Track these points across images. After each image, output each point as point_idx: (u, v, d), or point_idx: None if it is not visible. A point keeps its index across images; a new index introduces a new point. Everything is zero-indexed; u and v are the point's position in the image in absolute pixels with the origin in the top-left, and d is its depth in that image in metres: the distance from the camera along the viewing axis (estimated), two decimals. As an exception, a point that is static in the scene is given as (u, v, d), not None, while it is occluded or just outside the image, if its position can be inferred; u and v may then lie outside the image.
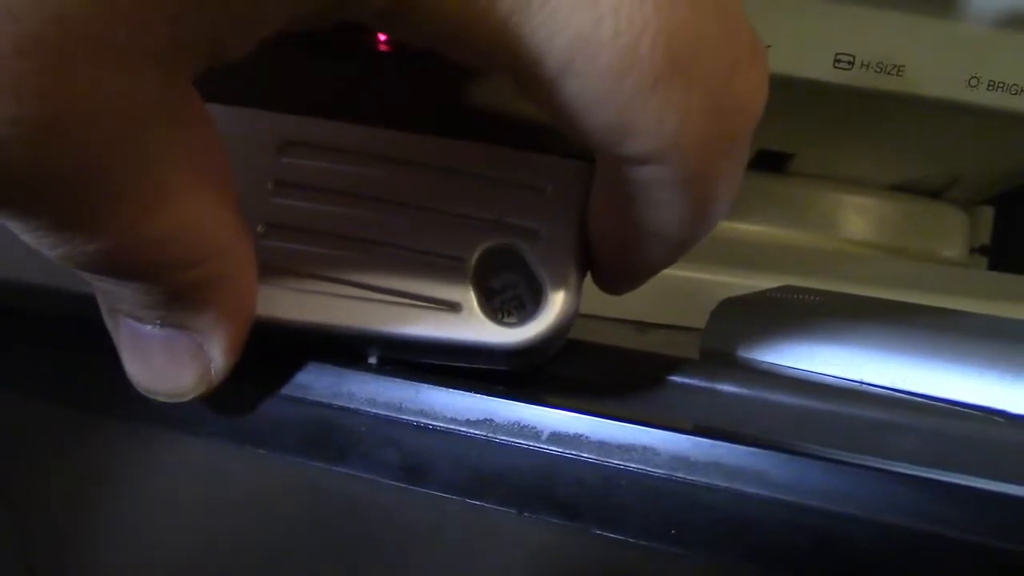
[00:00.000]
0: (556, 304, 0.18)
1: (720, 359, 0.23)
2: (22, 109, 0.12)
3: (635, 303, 0.28)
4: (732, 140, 0.16)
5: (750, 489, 0.16)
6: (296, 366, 0.19)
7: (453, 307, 0.18)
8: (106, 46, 0.12)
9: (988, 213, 0.43)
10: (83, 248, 0.14)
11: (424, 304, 0.18)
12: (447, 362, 0.19)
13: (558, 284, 0.18)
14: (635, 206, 0.17)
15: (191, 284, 0.16)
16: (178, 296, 0.16)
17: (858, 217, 0.35)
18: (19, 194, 0.13)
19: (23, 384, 0.21)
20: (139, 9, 0.12)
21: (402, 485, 0.18)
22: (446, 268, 0.18)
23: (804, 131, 0.33)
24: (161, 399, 0.17)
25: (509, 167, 0.19)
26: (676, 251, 0.18)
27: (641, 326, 0.28)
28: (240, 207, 0.17)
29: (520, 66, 0.14)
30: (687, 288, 0.29)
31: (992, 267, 0.43)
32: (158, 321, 0.17)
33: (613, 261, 0.19)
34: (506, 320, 0.18)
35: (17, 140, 0.12)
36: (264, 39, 0.14)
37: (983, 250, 0.44)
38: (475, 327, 0.18)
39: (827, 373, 0.21)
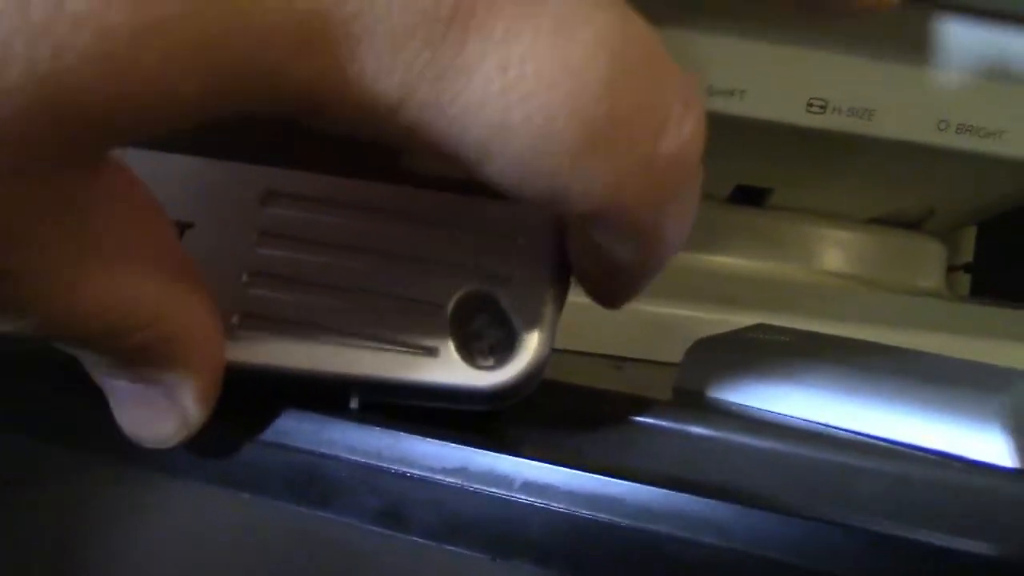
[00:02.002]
0: (530, 347, 0.19)
1: (692, 400, 0.23)
2: None
3: (613, 339, 0.29)
4: (670, 192, 0.16)
5: (713, 541, 0.17)
6: (279, 413, 0.19)
7: (431, 351, 0.19)
8: None
9: (971, 232, 0.44)
10: (14, 326, 0.15)
11: (404, 349, 0.19)
12: (426, 404, 0.20)
13: (531, 328, 0.19)
14: (591, 248, 0.18)
15: (140, 348, 0.16)
16: (134, 358, 0.17)
17: (836, 250, 0.36)
18: None
19: (11, 421, 0.22)
20: (10, 139, 0.12)
21: (381, 530, 0.18)
22: (424, 314, 0.19)
23: (781, 168, 0.34)
24: (148, 445, 0.18)
25: (483, 216, 0.20)
26: (640, 281, 0.19)
27: (619, 361, 0.29)
28: (188, 266, 0.17)
29: (442, 153, 0.15)
30: (665, 323, 0.30)
31: (975, 284, 0.44)
32: (126, 378, 0.17)
33: (592, 287, 0.20)
34: (482, 363, 0.19)
35: None
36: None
37: (966, 268, 0.45)
38: (453, 371, 0.19)
39: (795, 415, 0.22)
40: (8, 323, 0.15)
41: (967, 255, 0.45)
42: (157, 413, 0.18)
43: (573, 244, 0.19)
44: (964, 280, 0.45)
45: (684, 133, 0.15)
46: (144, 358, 0.17)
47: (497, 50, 0.14)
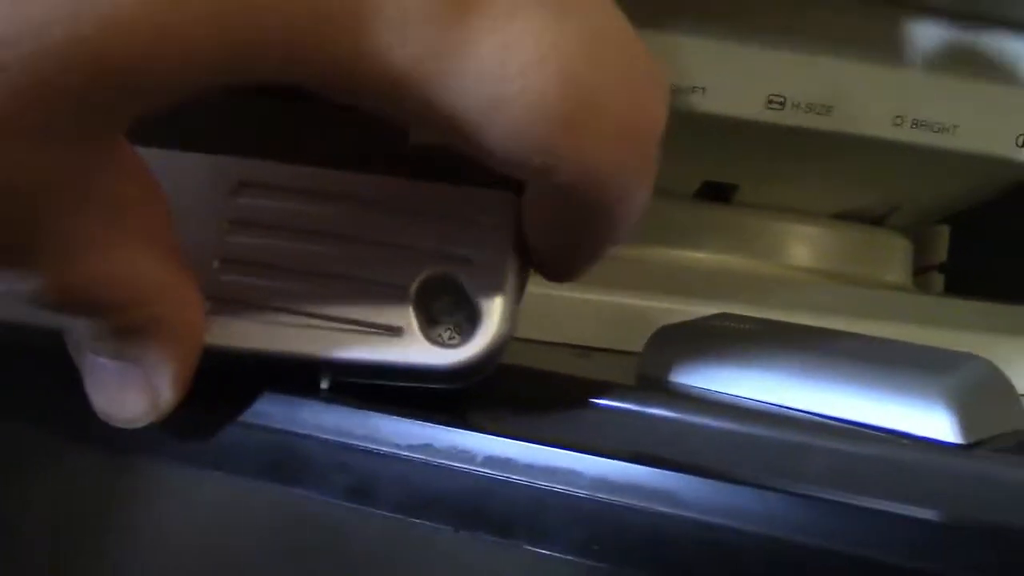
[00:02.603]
0: (491, 327, 0.20)
1: (653, 384, 0.24)
2: None
3: (580, 329, 0.29)
4: (639, 161, 0.18)
5: (664, 508, 0.17)
6: (252, 395, 0.20)
7: (397, 332, 0.20)
8: (12, 128, 0.13)
9: (943, 232, 0.45)
10: (18, 287, 0.16)
11: (370, 330, 0.20)
12: (393, 383, 0.20)
13: (493, 308, 0.20)
14: (564, 218, 0.19)
15: (130, 324, 0.17)
16: (122, 333, 0.18)
17: (802, 245, 0.37)
18: None
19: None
20: (39, 97, 0.13)
21: (349, 504, 0.19)
22: (389, 296, 0.20)
23: (746, 164, 0.35)
24: (117, 424, 0.19)
25: (445, 201, 0.21)
26: (601, 244, 0.20)
27: (585, 351, 0.29)
28: (178, 251, 0.18)
29: (444, 124, 0.16)
30: (632, 314, 0.31)
31: (949, 283, 0.45)
32: (109, 355, 0.18)
33: (551, 256, 0.21)
34: (446, 342, 0.20)
35: None
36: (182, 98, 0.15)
37: (940, 267, 0.45)
38: (417, 350, 0.20)
39: (751, 397, 0.23)
40: (20, 284, 0.16)
41: (940, 255, 0.46)
42: (131, 393, 0.18)
43: (538, 218, 0.20)
44: (938, 280, 0.46)
45: (654, 107, 0.17)
46: (132, 336, 0.18)
47: (498, 28, 0.15)
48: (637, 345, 0.27)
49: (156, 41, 0.13)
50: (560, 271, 0.21)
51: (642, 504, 0.18)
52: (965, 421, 0.20)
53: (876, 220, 0.39)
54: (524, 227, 0.20)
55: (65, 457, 0.22)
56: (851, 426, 0.21)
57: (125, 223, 0.16)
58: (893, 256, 0.39)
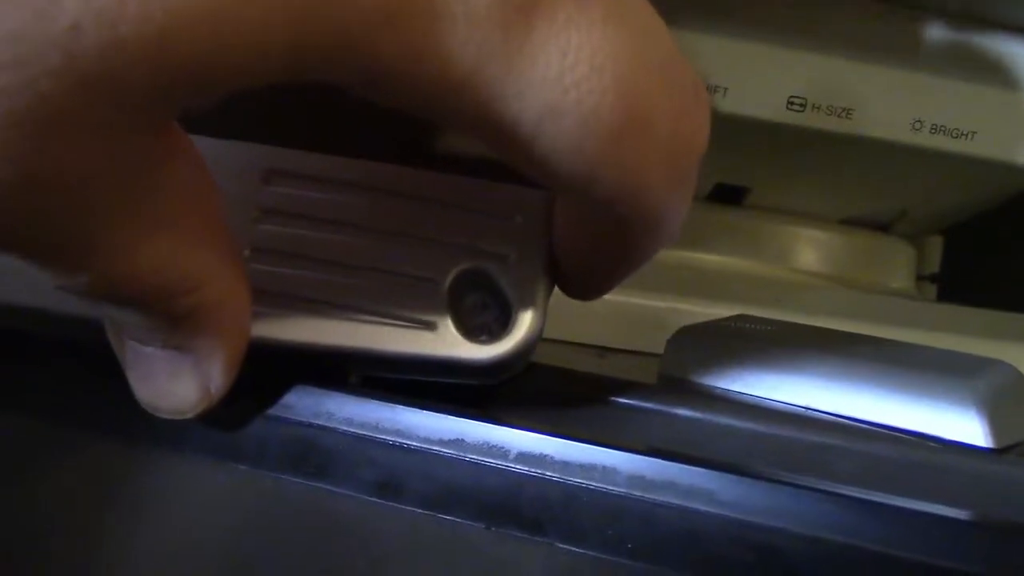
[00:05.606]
0: (524, 323, 0.20)
1: (676, 384, 0.24)
2: (3, 172, 0.13)
3: (597, 329, 0.29)
4: (682, 176, 0.18)
5: (700, 507, 0.17)
6: (279, 387, 0.20)
7: (429, 326, 0.20)
8: (78, 120, 0.13)
9: (937, 243, 0.45)
10: (74, 281, 0.16)
11: (402, 323, 0.20)
12: (423, 377, 0.20)
13: (526, 305, 0.20)
14: (600, 233, 0.19)
15: (183, 310, 0.17)
16: (175, 320, 0.17)
17: (810, 249, 0.37)
18: (4, 239, 0.14)
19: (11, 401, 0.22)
20: (106, 90, 0.13)
21: (377, 500, 0.19)
22: (422, 290, 0.20)
23: (759, 167, 0.35)
24: (164, 416, 0.19)
25: (480, 196, 0.20)
26: (635, 265, 0.20)
27: (602, 351, 0.29)
28: (229, 235, 0.18)
29: (495, 130, 0.16)
30: (646, 316, 0.30)
31: (941, 294, 0.45)
32: (160, 343, 0.18)
33: (581, 275, 0.21)
34: (478, 338, 0.20)
35: None
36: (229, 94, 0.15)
37: (933, 278, 0.46)
38: (449, 344, 0.20)
39: (775, 399, 0.23)
40: (70, 278, 0.15)
41: (934, 266, 0.46)
42: (182, 382, 0.18)
43: (571, 230, 0.20)
44: (931, 290, 0.46)
45: (696, 120, 0.17)
46: (184, 322, 0.17)
47: (558, 36, 0.15)
48: (650, 345, 0.27)
49: (226, 36, 0.13)
50: (584, 287, 0.21)
51: (677, 502, 0.17)
52: (995, 426, 0.20)
53: (882, 227, 0.39)
54: (553, 238, 0.20)
55: (87, 451, 0.21)
56: (880, 429, 0.21)
57: (180, 207, 0.16)
58: (899, 263, 0.39)
